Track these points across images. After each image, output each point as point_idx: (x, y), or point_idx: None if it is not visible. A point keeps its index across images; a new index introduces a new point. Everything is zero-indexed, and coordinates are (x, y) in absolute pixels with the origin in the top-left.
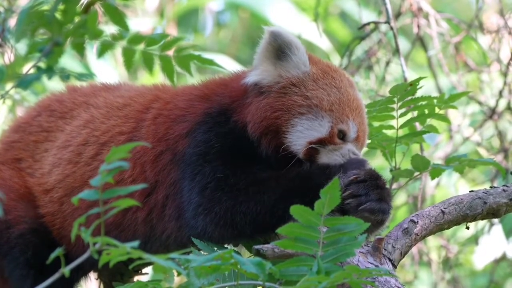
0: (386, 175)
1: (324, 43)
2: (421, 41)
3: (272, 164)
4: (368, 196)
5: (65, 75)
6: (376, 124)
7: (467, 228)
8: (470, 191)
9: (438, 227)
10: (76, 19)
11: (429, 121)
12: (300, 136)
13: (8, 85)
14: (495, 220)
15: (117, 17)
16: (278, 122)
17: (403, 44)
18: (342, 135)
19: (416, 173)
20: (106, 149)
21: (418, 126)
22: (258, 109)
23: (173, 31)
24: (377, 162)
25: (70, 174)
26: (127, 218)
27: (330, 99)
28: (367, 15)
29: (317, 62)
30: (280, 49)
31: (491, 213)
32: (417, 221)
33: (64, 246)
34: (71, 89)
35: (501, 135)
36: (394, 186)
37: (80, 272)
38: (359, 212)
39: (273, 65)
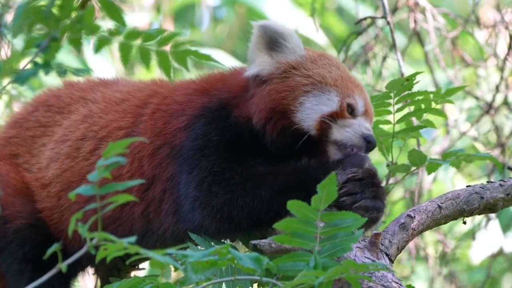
0: (383, 170)
1: (320, 38)
2: (417, 36)
3: (276, 155)
4: (363, 194)
5: (62, 71)
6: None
7: (464, 223)
8: (467, 186)
9: (435, 222)
10: (73, 15)
11: (426, 116)
12: (310, 112)
13: (5, 81)
14: (492, 215)
15: (114, 12)
16: (285, 102)
17: (400, 39)
18: (351, 110)
19: (413, 168)
20: (104, 144)
21: (415, 121)
22: (262, 96)
23: (169, 27)
24: (374, 157)
25: (68, 169)
26: (124, 213)
27: (332, 75)
28: (363, 10)
29: (311, 50)
30: (272, 40)
31: (488, 208)
32: (414, 216)
33: (61, 240)
34: (68, 84)
35: (497, 129)
36: (391, 181)
37: (78, 267)
38: (354, 210)
39: (269, 56)
